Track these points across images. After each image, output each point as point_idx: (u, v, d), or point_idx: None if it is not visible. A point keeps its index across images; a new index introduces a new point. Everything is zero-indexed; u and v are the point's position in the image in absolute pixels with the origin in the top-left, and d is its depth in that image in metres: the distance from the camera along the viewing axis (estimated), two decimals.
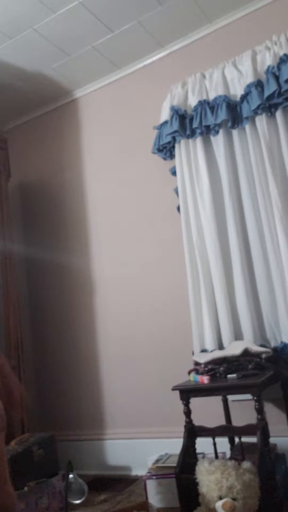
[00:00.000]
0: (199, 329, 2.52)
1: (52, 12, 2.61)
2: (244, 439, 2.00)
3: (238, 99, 2.53)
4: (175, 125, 2.66)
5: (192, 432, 2.02)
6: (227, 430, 2.12)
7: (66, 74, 3.20)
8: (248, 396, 1.91)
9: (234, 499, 1.62)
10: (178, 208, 2.76)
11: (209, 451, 2.09)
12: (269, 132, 2.44)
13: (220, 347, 2.43)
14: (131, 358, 2.95)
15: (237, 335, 2.43)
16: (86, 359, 3.14)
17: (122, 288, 3.05)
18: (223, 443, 2.25)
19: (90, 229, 3.26)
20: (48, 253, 3.41)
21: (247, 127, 2.51)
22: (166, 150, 2.84)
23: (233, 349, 2.20)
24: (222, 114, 2.51)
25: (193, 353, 2.51)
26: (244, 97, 2.48)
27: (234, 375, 2.00)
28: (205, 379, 2.03)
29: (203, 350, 2.47)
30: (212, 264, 2.53)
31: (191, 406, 2.05)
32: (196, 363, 2.26)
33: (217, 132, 2.62)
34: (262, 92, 2.40)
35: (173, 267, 2.84)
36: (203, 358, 2.23)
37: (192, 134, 2.67)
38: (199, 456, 2.02)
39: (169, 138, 2.74)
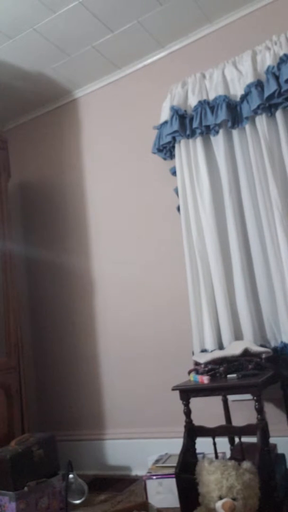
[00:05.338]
0: (199, 329, 2.52)
1: (52, 12, 2.61)
2: (244, 439, 2.00)
3: (238, 99, 2.53)
4: (175, 125, 2.65)
5: (192, 432, 2.02)
6: (227, 430, 2.12)
7: (66, 74, 3.20)
8: (248, 396, 1.91)
9: (234, 499, 1.62)
10: (178, 208, 2.76)
11: (209, 451, 2.09)
12: (269, 132, 2.44)
13: (220, 347, 2.43)
14: (131, 358, 2.95)
15: (237, 335, 2.43)
16: (86, 359, 3.14)
17: (122, 288, 3.05)
18: (223, 443, 2.24)
19: (90, 229, 3.26)
20: (48, 253, 3.41)
21: (247, 127, 2.51)
22: (166, 150, 2.84)
23: (233, 349, 2.20)
24: (222, 114, 2.51)
25: (193, 353, 2.51)
26: (244, 97, 2.48)
27: (234, 375, 2.00)
28: (205, 379, 2.03)
29: (203, 350, 2.47)
30: (212, 264, 2.53)
31: (191, 406, 2.05)
32: (196, 363, 2.26)
33: (217, 132, 2.62)
34: (262, 92, 2.40)
35: (173, 267, 2.84)
36: (203, 358, 2.23)
37: (192, 134, 2.67)
38: (199, 456, 2.02)
39: (169, 138, 2.74)
